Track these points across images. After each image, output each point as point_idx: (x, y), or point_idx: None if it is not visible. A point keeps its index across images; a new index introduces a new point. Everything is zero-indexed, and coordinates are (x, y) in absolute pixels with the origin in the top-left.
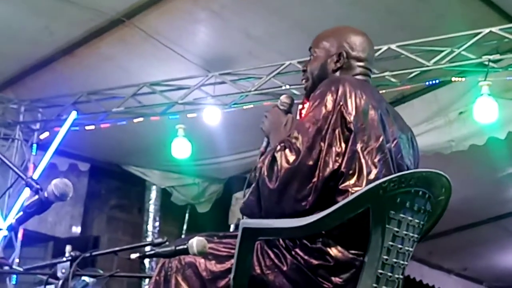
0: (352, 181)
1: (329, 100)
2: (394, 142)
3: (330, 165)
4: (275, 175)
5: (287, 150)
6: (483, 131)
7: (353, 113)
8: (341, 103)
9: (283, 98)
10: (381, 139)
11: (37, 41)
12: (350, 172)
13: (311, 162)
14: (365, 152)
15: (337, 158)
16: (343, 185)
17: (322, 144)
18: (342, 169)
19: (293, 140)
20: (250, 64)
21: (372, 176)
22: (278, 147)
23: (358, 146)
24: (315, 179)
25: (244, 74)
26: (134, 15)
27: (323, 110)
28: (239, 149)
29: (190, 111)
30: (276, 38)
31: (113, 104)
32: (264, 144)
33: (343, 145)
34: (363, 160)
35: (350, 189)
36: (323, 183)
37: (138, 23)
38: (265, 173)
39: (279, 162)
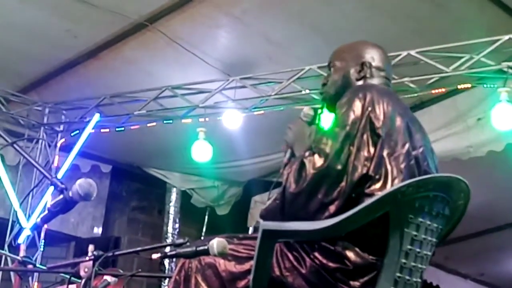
0: (377, 185)
1: (357, 105)
2: (421, 149)
3: (359, 170)
4: (303, 179)
5: (315, 156)
6: (501, 137)
7: (381, 118)
8: (369, 109)
9: (306, 109)
10: (407, 146)
11: (62, 44)
12: (377, 177)
13: (339, 166)
14: (391, 158)
15: (365, 163)
16: (369, 189)
17: (351, 148)
18: (370, 173)
19: (322, 146)
20: (270, 69)
21: (396, 181)
22: (307, 153)
23: (385, 152)
24: (343, 183)
25: (264, 79)
26: (157, 20)
27: (352, 116)
28: (258, 153)
29: (211, 115)
30: (296, 43)
31: (135, 107)
32: (288, 155)
33: (371, 149)
34: (389, 166)
35: (375, 193)
36: (351, 187)
37: (160, 27)
38: (292, 179)
39: (307, 167)
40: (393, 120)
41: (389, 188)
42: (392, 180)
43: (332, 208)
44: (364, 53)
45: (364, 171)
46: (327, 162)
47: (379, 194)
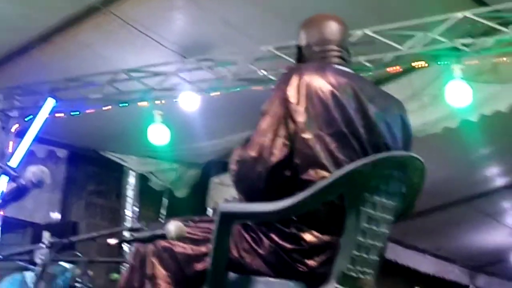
0: (312, 171)
1: (279, 91)
2: (367, 123)
3: (276, 155)
4: (237, 164)
5: (246, 142)
6: (456, 114)
7: (303, 103)
8: (289, 94)
9: None
10: (336, 125)
11: (15, 28)
12: (306, 162)
13: (256, 153)
14: (317, 140)
15: (283, 149)
16: (304, 176)
17: (270, 135)
18: (296, 160)
19: (252, 132)
20: (227, 50)
21: (327, 163)
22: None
23: (310, 135)
24: (260, 169)
25: (220, 60)
26: (111, 2)
27: (275, 102)
28: (216, 134)
29: (167, 97)
30: (253, 24)
31: (90, 91)
32: None
33: (291, 135)
34: (317, 150)
35: (312, 179)
36: (270, 173)
37: (115, 10)
38: (231, 166)
39: (239, 152)
40: (321, 100)
41: (323, 171)
42: (324, 163)
43: (257, 193)
44: (316, 29)
45: (281, 157)
46: (247, 148)
47: (320, 177)
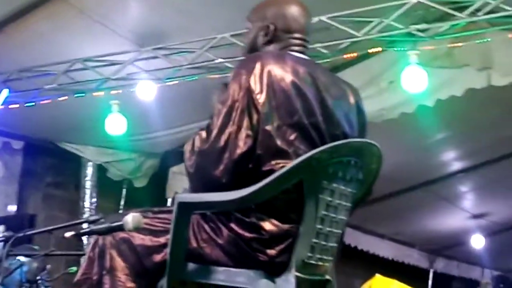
0: (273, 161)
1: (240, 80)
2: (325, 112)
3: (240, 147)
4: (195, 156)
5: (202, 132)
6: (412, 99)
7: (264, 92)
8: (250, 84)
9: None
10: (297, 115)
11: None
12: (268, 153)
13: (221, 144)
14: (279, 132)
15: (247, 140)
16: (265, 166)
17: (232, 126)
18: (258, 151)
19: (210, 122)
20: (183, 39)
21: (289, 154)
22: (200, 129)
23: (271, 126)
24: (226, 161)
25: (177, 49)
26: None
27: (235, 91)
28: (174, 124)
29: (124, 87)
30: (208, 11)
31: (45, 81)
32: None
33: (254, 126)
34: (278, 141)
35: (273, 169)
36: (234, 165)
37: None
38: (187, 154)
39: (195, 143)
40: (281, 90)
41: (283, 162)
42: (284, 155)
43: (221, 185)
44: (274, 13)
45: (245, 149)
46: (209, 140)
47: (285, 167)
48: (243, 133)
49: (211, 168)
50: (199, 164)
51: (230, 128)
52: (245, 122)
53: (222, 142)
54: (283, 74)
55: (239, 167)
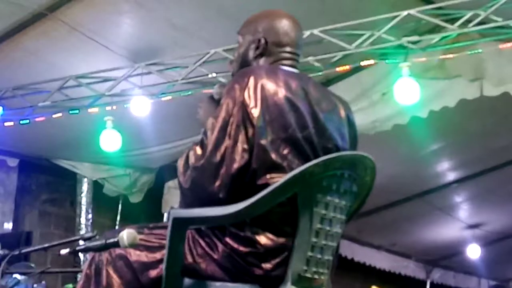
0: (268, 175)
1: (234, 95)
2: (317, 126)
3: (237, 162)
4: (189, 171)
5: (197, 148)
6: (405, 110)
7: (258, 107)
8: (244, 98)
9: (217, 87)
10: (290, 129)
11: None
12: (263, 167)
13: (217, 159)
14: (274, 146)
15: (243, 154)
16: (260, 180)
17: (228, 140)
18: (254, 165)
19: (204, 137)
20: (176, 54)
21: (283, 168)
22: (194, 144)
23: (265, 141)
24: (222, 176)
25: (170, 64)
26: (57, 8)
27: (229, 106)
28: (168, 139)
29: (118, 103)
30: (201, 26)
31: (39, 99)
32: (201, 135)
33: (249, 140)
34: (272, 155)
35: (267, 183)
36: (231, 179)
37: (61, 16)
38: (181, 169)
39: (190, 159)
40: (273, 104)
41: (278, 177)
42: (279, 169)
43: (218, 200)
44: (264, 27)
45: (242, 163)
46: (205, 155)
47: (279, 181)
48: (240, 147)
49: (207, 184)
50: (194, 179)
51: (226, 143)
52: (241, 136)
53: (218, 157)
54: (276, 88)
55: (236, 181)
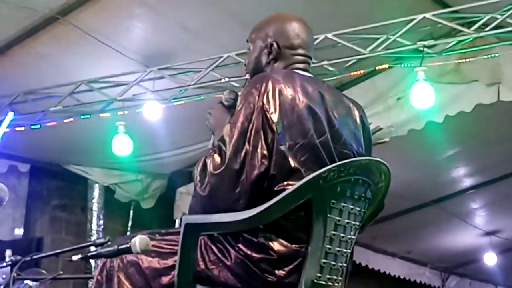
0: (285, 182)
1: (252, 100)
2: (333, 131)
3: (257, 168)
4: (207, 179)
5: (215, 155)
6: (421, 115)
7: (277, 112)
8: (263, 103)
9: (226, 93)
10: (309, 135)
11: None
12: (281, 173)
13: (237, 166)
14: (292, 152)
15: (263, 160)
16: (277, 187)
17: (247, 146)
18: (272, 171)
19: (221, 144)
20: (188, 58)
21: (301, 174)
22: (211, 151)
23: (284, 147)
24: (243, 183)
25: (182, 68)
26: (69, 13)
27: (247, 111)
28: (181, 144)
29: (130, 108)
30: (213, 30)
31: (50, 104)
32: (211, 141)
33: (269, 146)
34: (291, 161)
35: (286, 189)
36: (251, 186)
37: (73, 20)
38: (198, 178)
39: (208, 167)
40: (291, 110)
41: (293, 182)
42: (297, 175)
43: (238, 207)
44: (276, 31)
45: (263, 169)
46: (225, 162)
47: (292, 186)
48: (259, 154)
49: (228, 191)
50: (214, 187)
51: (245, 149)
52: (260, 142)
53: (238, 163)
54: (293, 93)
55: (256, 188)
